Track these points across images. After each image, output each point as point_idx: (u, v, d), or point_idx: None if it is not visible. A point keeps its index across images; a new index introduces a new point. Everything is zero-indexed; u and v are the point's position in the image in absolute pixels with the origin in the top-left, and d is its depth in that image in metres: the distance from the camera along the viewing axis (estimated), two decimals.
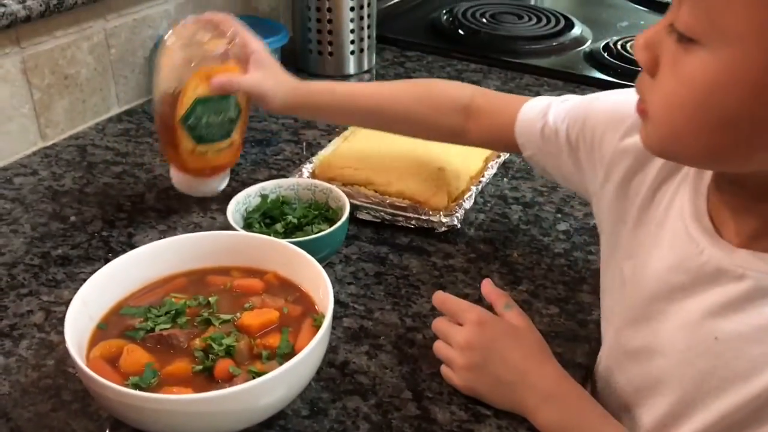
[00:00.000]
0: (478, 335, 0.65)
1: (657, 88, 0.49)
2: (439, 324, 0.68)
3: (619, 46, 1.33)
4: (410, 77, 1.28)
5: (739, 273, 0.52)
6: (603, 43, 1.35)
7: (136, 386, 0.57)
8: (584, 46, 1.38)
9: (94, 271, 0.66)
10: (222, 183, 0.91)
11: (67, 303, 0.62)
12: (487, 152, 0.96)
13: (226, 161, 0.89)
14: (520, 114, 0.76)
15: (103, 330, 0.64)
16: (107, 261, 0.68)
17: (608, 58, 1.30)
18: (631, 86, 0.54)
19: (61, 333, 0.59)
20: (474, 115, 0.80)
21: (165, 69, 0.82)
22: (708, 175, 0.56)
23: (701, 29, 0.45)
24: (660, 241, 0.59)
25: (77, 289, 0.63)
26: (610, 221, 0.67)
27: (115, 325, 0.64)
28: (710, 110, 0.46)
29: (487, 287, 0.70)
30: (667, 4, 1.76)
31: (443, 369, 0.67)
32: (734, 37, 0.44)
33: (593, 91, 0.76)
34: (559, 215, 0.91)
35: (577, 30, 1.43)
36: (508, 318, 0.67)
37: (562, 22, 1.45)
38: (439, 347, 0.67)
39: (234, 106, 0.85)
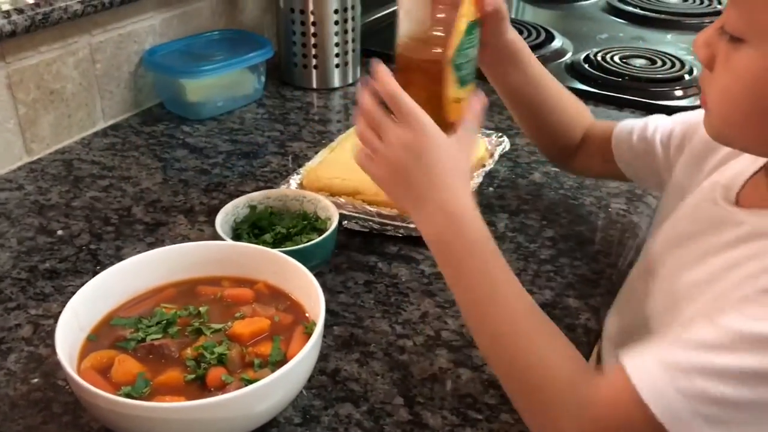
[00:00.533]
0: (415, 144, 0.62)
1: (714, 83, 0.56)
2: (373, 110, 0.65)
3: (599, 58, 1.35)
4: None
5: (739, 220, 0.58)
6: (584, 55, 1.37)
7: (128, 396, 0.57)
8: (565, 58, 1.40)
9: (83, 284, 0.66)
10: None
11: (55, 316, 0.62)
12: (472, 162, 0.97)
13: (464, 114, 0.70)
14: (620, 124, 0.85)
15: (94, 341, 0.64)
16: (95, 274, 0.67)
17: (589, 69, 1.32)
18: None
19: (50, 346, 0.58)
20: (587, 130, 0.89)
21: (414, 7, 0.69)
22: (760, 162, 0.61)
23: (746, 29, 0.52)
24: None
25: (65, 302, 0.63)
26: (675, 204, 0.71)
27: (105, 336, 0.64)
28: (759, 100, 0.53)
29: (478, 106, 0.67)
30: (642, 17, 1.79)
31: (360, 154, 0.66)
32: None
33: None
34: (545, 222, 0.92)
35: (557, 42, 1.46)
36: (458, 136, 0.65)
37: (543, 35, 1.48)
38: (364, 132, 0.66)
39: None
